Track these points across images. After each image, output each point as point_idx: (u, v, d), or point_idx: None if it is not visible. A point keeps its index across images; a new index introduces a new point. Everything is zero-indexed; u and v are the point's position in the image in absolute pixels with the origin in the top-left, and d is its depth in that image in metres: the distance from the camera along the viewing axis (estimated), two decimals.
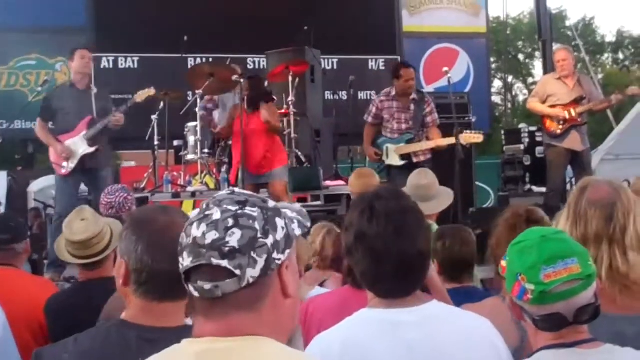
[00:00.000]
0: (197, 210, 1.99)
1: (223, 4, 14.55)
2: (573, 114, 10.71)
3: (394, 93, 10.53)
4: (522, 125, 15.61)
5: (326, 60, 15.33)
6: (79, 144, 9.67)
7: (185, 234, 1.95)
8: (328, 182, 11.47)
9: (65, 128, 9.78)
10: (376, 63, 16.90)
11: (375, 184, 7.83)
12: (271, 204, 2.01)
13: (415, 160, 10.23)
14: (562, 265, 2.45)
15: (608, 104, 11.10)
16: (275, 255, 1.94)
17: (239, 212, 1.93)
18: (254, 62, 15.68)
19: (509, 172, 14.43)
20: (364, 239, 2.78)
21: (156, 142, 11.28)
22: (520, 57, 49.31)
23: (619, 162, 15.36)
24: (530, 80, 47.76)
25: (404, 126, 10.45)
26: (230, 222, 1.91)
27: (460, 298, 3.81)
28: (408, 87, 10.44)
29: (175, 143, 12.07)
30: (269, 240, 1.93)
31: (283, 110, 11.47)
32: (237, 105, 10.38)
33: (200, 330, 1.96)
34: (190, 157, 11.37)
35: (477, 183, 14.41)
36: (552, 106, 10.86)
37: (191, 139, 11.32)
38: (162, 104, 11.33)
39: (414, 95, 10.50)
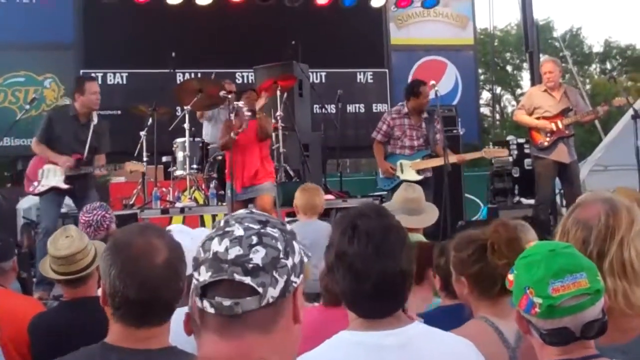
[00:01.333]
0: (214, 227, 1.97)
1: (211, 19, 14.54)
2: (560, 125, 10.76)
3: (405, 110, 10.68)
4: (510, 137, 15.64)
5: (314, 74, 15.36)
6: (58, 174, 9.64)
7: (203, 248, 1.92)
8: None
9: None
10: (364, 76, 16.92)
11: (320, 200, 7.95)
12: (288, 227, 2.00)
13: (420, 177, 10.40)
14: (570, 280, 2.44)
15: (595, 116, 11.15)
16: (292, 277, 1.93)
17: (262, 230, 1.92)
18: (242, 77, 15.69)
19: (497, 184, 14.46)
20: (344, 258, 2.74)
21: (145, 158, 11.28)
22: (508, 68, 49.37)
23: (607, 173, 15.36)
24: (518, 91, 47.84)
25: (415, 143, 10.64)
26: (255, 239, 1.89)
27: (461, 314, 3.78)
28: (425, 103, 10.62)
29: (164, 159, 12.05)
30: (289, 262, 1.92)
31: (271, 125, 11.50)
32: (228, 119, 10.35)
33: (213, 350, 1.91)
34: (178, 172, 11.40)
35: (467, 195, 14.46)
36: (539, 118, 10.90)
37: (180, 155, 11.35)
38: (150, 120, 11.34)
39: (425, 114, 10.66)
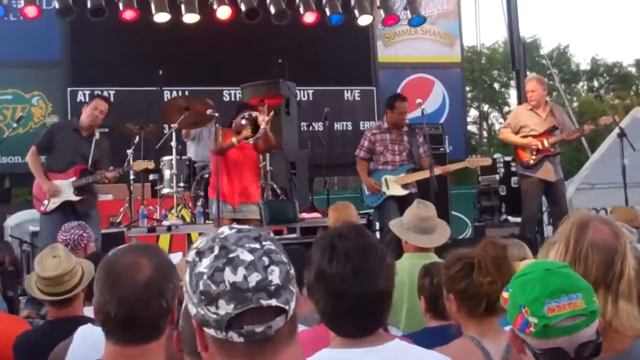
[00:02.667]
0: (203, 256, 1.92)
1: (198, 37, 14.57)
2: (546, 144, 10.79)
3: (386, 126, 10.69)
4: (497, 155, 15.65)
5: (301, 92, 15.38)
6: (65, 188, 9.64)
7: (213, 281, 1.87)
8: (304, 215, 11.49)
9: (57, 168, 9.76)
10: (351, 94, 16.94)
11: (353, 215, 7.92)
12: (271, 233, 2.02)
13: (405, 192, 10.39)
14: (566, 300, 2.44)
15: (581, 134, 11.17)
16: (294, 282, 1.97)
17: (265, 248, 1.92)
18: (229, 95, 15.70)
19: (484, 202, 14.47)
20: (323, 278, 2.78)
21: (132, 176, 11.28)
22: (496, 85, 49.50)
23: (594, 191, 15.40)
24: (506, 109, 47.91)
25: (397, 158, 10.62)
26: (266, 260, 1.89)
27: (446, 335, 3.78)
28: (401, 119, 10.65)
29: (151, 177, 12.04)
30: (292, 270, 1.95)
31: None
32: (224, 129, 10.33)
33: None
34: (166, 190, 11.41)
35: (454, 212, 14.47)
36: (525, 136, 10.92)
37: (167, 173, 11.37)
38: (137, 137, 11.34)
39: (405, 128, 10.66)
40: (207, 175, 11.21)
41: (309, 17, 14.14)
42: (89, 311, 4.55)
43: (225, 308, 1.85)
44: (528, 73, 15.64)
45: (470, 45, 31.67)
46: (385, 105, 10.95)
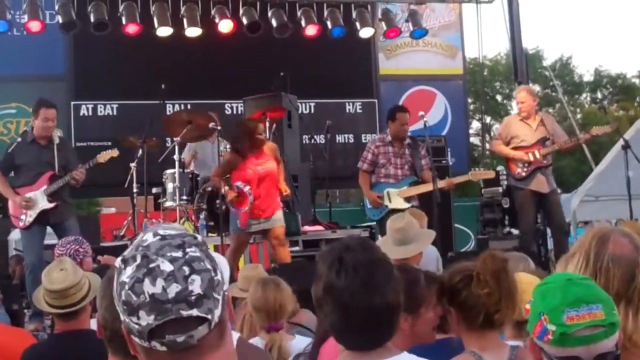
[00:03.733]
0: (127, 264, 1.88)
1: (200, 51, 14.61)
2: (537, 155, 10.73)
3: (389, 138, 10.66)
4: (500, 168, 15.63)
5: (303, 104, 15.39)
6: (38, 198, 9.63)
7: (134, 292, 1.84)
8: (307, 227, 11.50)
9: (26, 182, 9.76)
10: (353, 106, 16.95)
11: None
12: (199, 237, 1.97)
13: (408, 205, 10.38)
14: (586, 310, 2.43)
15: (575, 143, 11.13)
16: (224, 287, 1.93)
17: (187, 257, 1.87)
18: (231, 108, 15.73)
19: (487, 214, 14.45)
20: (332, 292, 2.79)
21: (135, 189, 11.32)
22: (498, 97, 49.48)
23: (598, 203, 15.38)
24: None
25: (400, 172, 10.60)
26: (186, 270, 1.85)
27: (449, 348, 3.77)
28: (402, 130, 10.64)
29: (154, 190, 12.07)
30: (219, 276, 1.91)
31: None
32: (229, 152, 10.30)
33: None
34: (168, 203, 11.43)
35: (457, 225, 14.47)
36: (516, 148, 10.87)
37: (170, 186, 11.39)
38: (140, 151, 11.38)
39: (407, 140, 10.65)
40: (209, 189, 11.20)
41: (311, 30, 14.18)
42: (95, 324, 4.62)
43: (146, 319, 1.84)
44: (530, 85, 15.64)
45: (472, 57, 31.66)
46: (387, 117, 10.96)
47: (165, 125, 11.69)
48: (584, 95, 52.23)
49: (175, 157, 11.25)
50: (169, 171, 11.47)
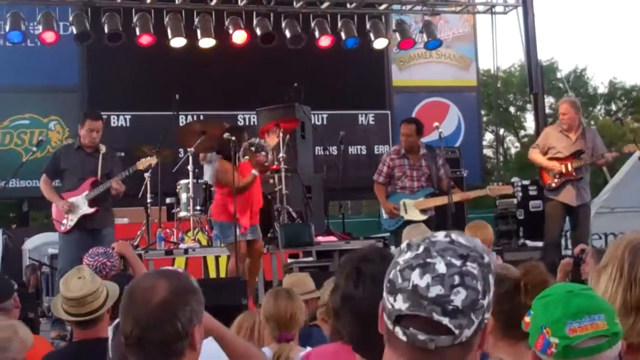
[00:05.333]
0: (409, 249, 1.96)
1: (214, 62, 14.64)
2: (569, 168, 10.67)
3: (403, 151, 10.63)
4: (514, 179, 15.56)
5: (316, 116, 15.41)
6: (80, 203, 9.73)
7: (402, 275, 1.92)
8: (320, 238, 11.47)
9: (70, 187, 9.87)
10: (366, 118, 16.97)
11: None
12: (486, 258, 1.97)
13: (424, 216, 10.36)
14: (588, 321, 2.41)
15: (604, 161, 11.09)
16: (486, 315, 1.93)
17: (464, 269, 1.89)
18: (244, 119, 15.76)
19: (502, 226, 14.37)
20: (350, 302, 2.76)
21: (149, 200, 11.33)
22: (512, 109, 49.36)
23: (613, 215, 15.29)
24: (522, 132, 47.80)
25: (416, 184, 10.56)
26: (457, 279, 1.88)
27: None
28: (402, 141, 10.61)
29: (168, 200, 12.10)
30: (485, 302, 1.92)
31: (274, 167, 11.55)
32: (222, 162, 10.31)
33: None
34: (182, 214, 11.45)
35: None
36: (552, 158, 10.84)
37: (183, 196, 11.40)
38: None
39: (423, 151, 10.62)
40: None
41: (325, 41, 14.17)
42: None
43: (400, 304, 1.90)
44: (546, 96, 15.59)
45: (486, 68, 31.62)
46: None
47: (179, 136, 11.71)
48: (598, 107, 52.06)
49: (189, 167, 11.26)
50: (182, 181, 11.48)
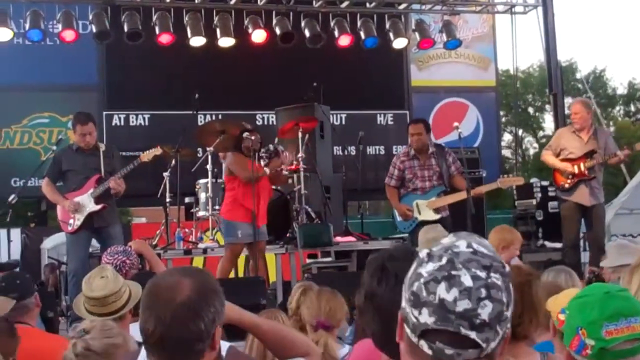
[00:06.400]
0: (430, 259, 1.94)
1: (233, 61, 14.61)
2: (582, 168, 10.69)
3: (412, 152, 10.60)
4: (534, 180, 15.50)
5: (334, 115, 15.36)
6: (86, 202, 9.73)
7: (427, 289, 1.89)
8: (338, 238, 11.45)
9: (74, 187, 9.88)
10: (384, 118, 16.93)
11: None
12: (507, 267, 1.96)
13: (437, 216, 10.33)
14: (624, 323, 2.40)
15: (618, 159, 11.05)
16: (508, 325, 1.93)
17: (489, 281, 1.88)
18: (262, 119, 15.74)
19: (521, 227, 14.26)
20: (373, 300, 2.74)
21: (168, 199, 11.34)
22: (530, 110, 49.27)
23: (633, 216, 15.28)
24: (540, 133, 47.69)
25: (427, 184, 10.56)
26: (483, 292, 1.87)
27: None
28: (414, 141, 10.58)
29: (187, 200, 12.11)
30: (509, 313, 1.91)
31: (293, 167, 11.55)
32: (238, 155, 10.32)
33: None
34: (201, 213, 11.46)
35: None
36: (564, 159, 10.85)
37: (202, 196, 11.42)
38: (173, 161, 11.41)
39: (432, 149, 10.60)
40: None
41: (344, 41, 14.13)
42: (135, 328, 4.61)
43: (426, 318, 1.88)
44: (565, 97, 15.54)
45: (504, 69, 31.54)
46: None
47: (199, 135, 11.69)
48: (617, 108, 51.92)
49: (208, 167, 11.27)
50: (201, 181, 11.49)
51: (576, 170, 10.71)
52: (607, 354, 2.38)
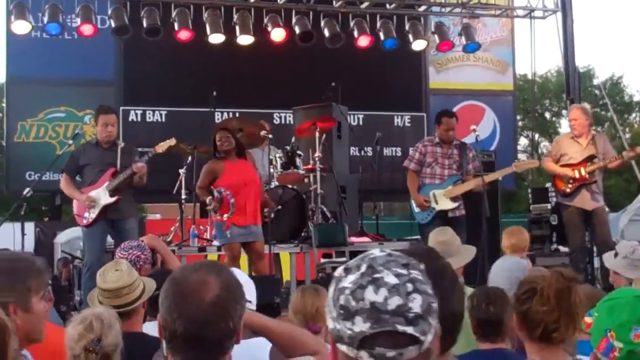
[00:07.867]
0: (349, 272, 1.94)
1: (252, 59, 14.61)
2: (583, 172, 10.70)
3: (437, 140, 10.62)
4: (549, 184, 15.51)
5: (351, 116, 15.35)
6: (101, 195, 9.72)
7: (354, 297, 1.89)
8: (353, 239, 11.45)
9: (90, 181, 9.87)
10: (402, 119, 16.93)
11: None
12: (421, 264, 2.00)
13: (450, 215, 10.32)
14: None
15: (621, 161, 11.00)
16: (434, 322, 1.94)
17: (412, 276, 1.91)
18: (280, 118, 15.75)
19: (535, 231, 14.30)
20: None
21: (183, 196, 11.33)
22: (547, 115, 49.23)
23: None
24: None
25: (447, 171, 10.57)
26: (410, 287, 1.89)
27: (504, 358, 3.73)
28: (447, 136, 10.62)
29: None
30: (436, 304, 1.94)
31: (309, 166, 11.53)
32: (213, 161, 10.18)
33: None
34: None
35: None
36: (564, 165, 10.87)
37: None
38: (190, 157, 11.40)
39: (456, 142, 10.63)
40: None
41: (363, 41, 14.12)
42: (149, 327, 4.60)
43: (360, 326, 1.87)
44: (584, 103, 15.50)
45: (522, 73, 31.47)
46: (435, 120, 10.93)
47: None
48: (634, 115, 51.83)
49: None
50: None
51: (577, 175, 10.72)
52: (635, 357, 2.38)
